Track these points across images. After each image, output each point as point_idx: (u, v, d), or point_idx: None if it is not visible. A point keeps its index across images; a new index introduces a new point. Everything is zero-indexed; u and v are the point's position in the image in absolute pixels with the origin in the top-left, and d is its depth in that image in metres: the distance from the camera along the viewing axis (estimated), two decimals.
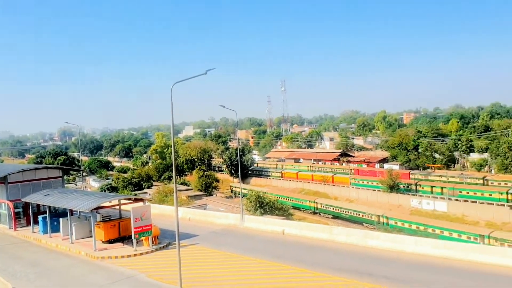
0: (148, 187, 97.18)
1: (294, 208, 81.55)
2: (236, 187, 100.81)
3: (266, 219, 36.84)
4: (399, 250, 25.97)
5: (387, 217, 65.20)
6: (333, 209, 76.86)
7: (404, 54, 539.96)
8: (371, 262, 24.30)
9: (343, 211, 74.34)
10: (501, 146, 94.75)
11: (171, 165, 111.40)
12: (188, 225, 36.38)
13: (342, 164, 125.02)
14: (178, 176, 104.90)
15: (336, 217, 75.39)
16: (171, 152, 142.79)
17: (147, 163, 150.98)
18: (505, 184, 77.98)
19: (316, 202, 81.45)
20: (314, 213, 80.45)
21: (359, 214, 70.59)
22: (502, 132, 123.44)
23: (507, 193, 71.15)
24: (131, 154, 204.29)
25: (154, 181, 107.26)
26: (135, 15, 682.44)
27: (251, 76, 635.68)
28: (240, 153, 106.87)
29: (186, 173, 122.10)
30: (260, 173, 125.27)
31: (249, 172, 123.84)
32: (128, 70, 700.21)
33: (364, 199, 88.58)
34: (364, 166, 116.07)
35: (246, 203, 57.20)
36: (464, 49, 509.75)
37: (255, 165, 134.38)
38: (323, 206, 79.61)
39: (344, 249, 27.46)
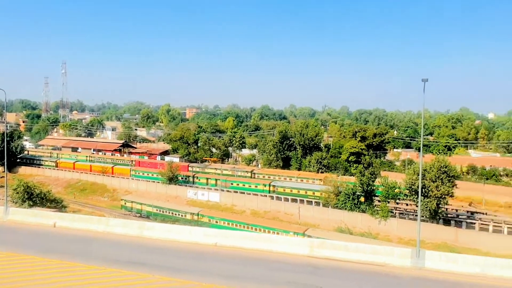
0: None
1: None
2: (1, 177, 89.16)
3: (35, 211, 34.34)
4: (174, 239, 27.34)
5: None
6: None
7: (191, 53, 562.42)
8: (145, 252, 25.00)
9: None
10: (267, 144, 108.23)
11: None
12: None
13: (124, 155, 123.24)
14: None
15: None
16: None
17: None
18: (268, 177, 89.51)
19: None
20: None
21: None
22: (268, 131, 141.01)
23: (269, 185, 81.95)
24: None
25: None
26: None
27: (27, 54, 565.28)
28: (8, 139, 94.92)
29: None
30: (32, 161, 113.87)
31: (18, 160, 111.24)
32: None
33: (143, 190, 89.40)
34: (146, 158, 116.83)
35: (12, 194, 51.78)
36: (228, 53, 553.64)
37: (26, 152, 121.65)
38: None
39: (120, 240, 27.50)
